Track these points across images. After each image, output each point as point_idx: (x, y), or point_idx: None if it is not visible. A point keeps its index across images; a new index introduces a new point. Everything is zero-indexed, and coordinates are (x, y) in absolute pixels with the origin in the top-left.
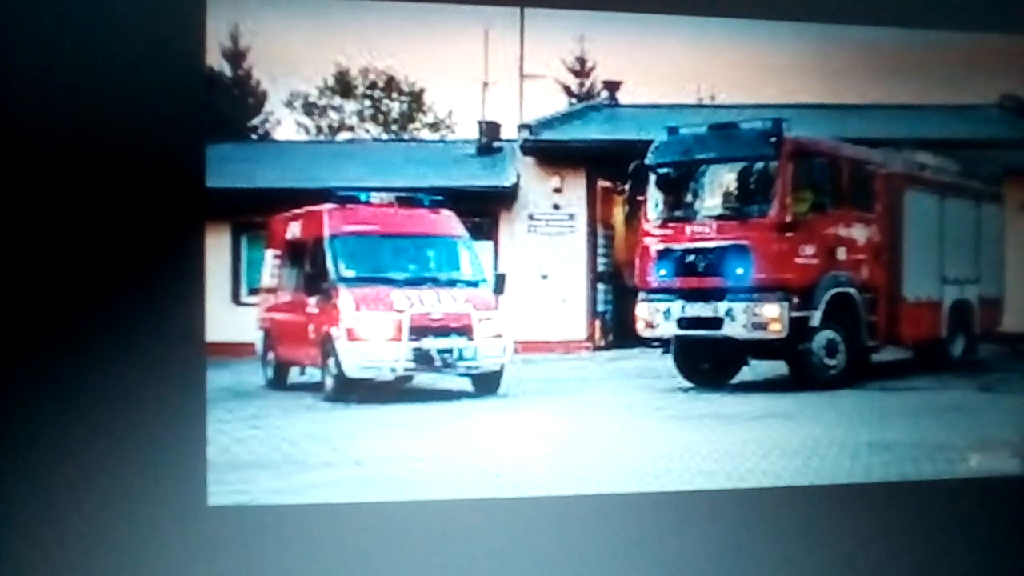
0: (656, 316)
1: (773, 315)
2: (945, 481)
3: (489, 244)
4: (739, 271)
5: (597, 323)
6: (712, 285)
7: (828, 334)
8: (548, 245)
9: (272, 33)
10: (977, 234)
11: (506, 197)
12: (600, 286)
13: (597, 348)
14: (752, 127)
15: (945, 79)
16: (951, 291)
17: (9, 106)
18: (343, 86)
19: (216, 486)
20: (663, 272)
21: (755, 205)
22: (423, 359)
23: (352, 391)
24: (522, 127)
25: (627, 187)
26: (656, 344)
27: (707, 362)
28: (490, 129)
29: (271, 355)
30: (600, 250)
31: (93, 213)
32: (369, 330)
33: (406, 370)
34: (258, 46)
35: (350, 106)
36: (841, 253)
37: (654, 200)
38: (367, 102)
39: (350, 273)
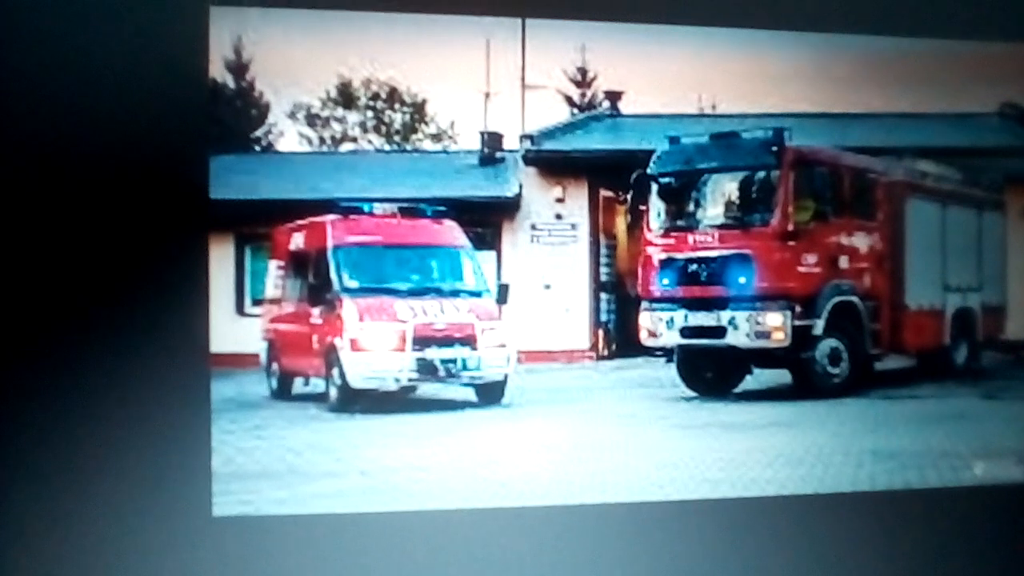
0: (659, 325)
1: (776, 324)
2: (950, 489)
3: (492, 254)
4: (742, 280)
5: (600, 332)
6: (715, 294)
7: (831, 342)
8: (551, 255)
9: (275, 45)
10: (979, 242)
11: (509, 207)
12: (603, 295)
13: (600, 357)
14: (754, 136)
15: (946, 87)
16: (954, 299)
17: (14, 118)
18: (346, 97)
19: (221, 496)
20: (666, 281)
21: (757, 214)
22: (427, 369)
23: (356, 401)
24: (524, 137)
25: (629, 197)
26: (659, 353)
27: (710, 371)
28: (492, 139)
29: (275, 366)
30: (603, 260)
31: (98, 224)
32: (373, 340)
33: (410, 380)
34: (261, 58)
35: (353, 117)
36: (843, 262)
37: (656, 209)
38: (370, 113)
39: (354, 284)
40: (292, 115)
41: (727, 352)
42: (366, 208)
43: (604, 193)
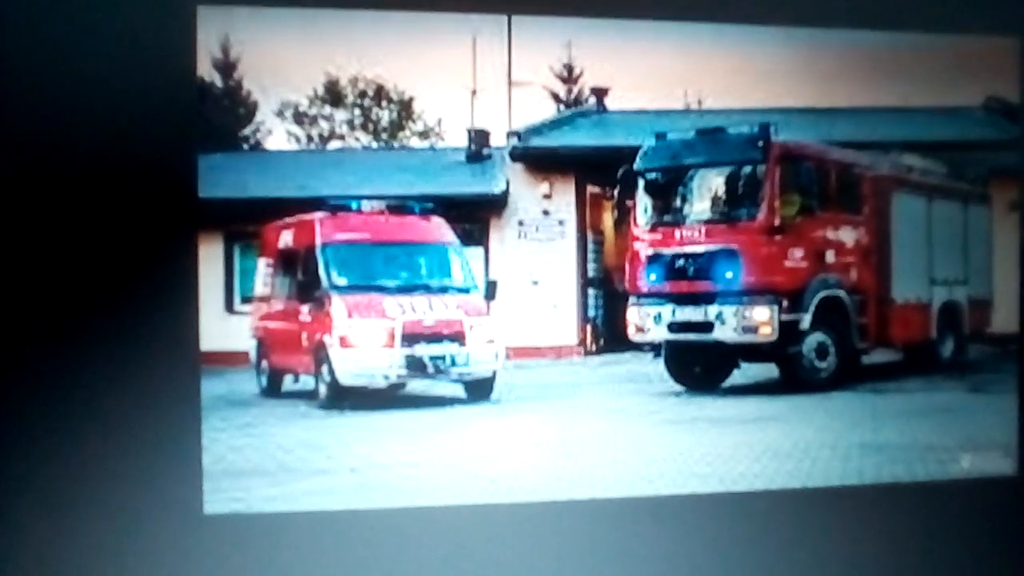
0: (647, 320)
1: (763, 318)
2: (937, 482)
3: (480, 250)
4: (729, 275)
5: (588, 328)
6: (702, 289)
7: (818, 337)
8: (538, 251)
9: (262, 43)
10: (965, 235)
11: (496, 204)
12: (591, 291)
13: (588, 353)
14: (740, 131)
15: (931, 82)
16: (940, 292)
17: (1, 118)
18: (333, 95)
19: (212, 494)
20: (653, 277)
21: (744, 209)
22: (416, 366)
23: (346, 398)
24: (511, 134)
25: (616, 192)
26: (647, 348)
27: (698, 366)
28: (479, 136)
29: (265, 363)
30: (590, 255)
31: (86, 224)
32: (362, 337)
33: (399, 377)
34: (248, 57)
35: (340, 115)
36: (830, 256)
37: (643, 205)
38: (357, 111)
39: (342, 281)
40: (280, 113)
41: (714, 347)
42: (354, 206)
43: (591, 189)
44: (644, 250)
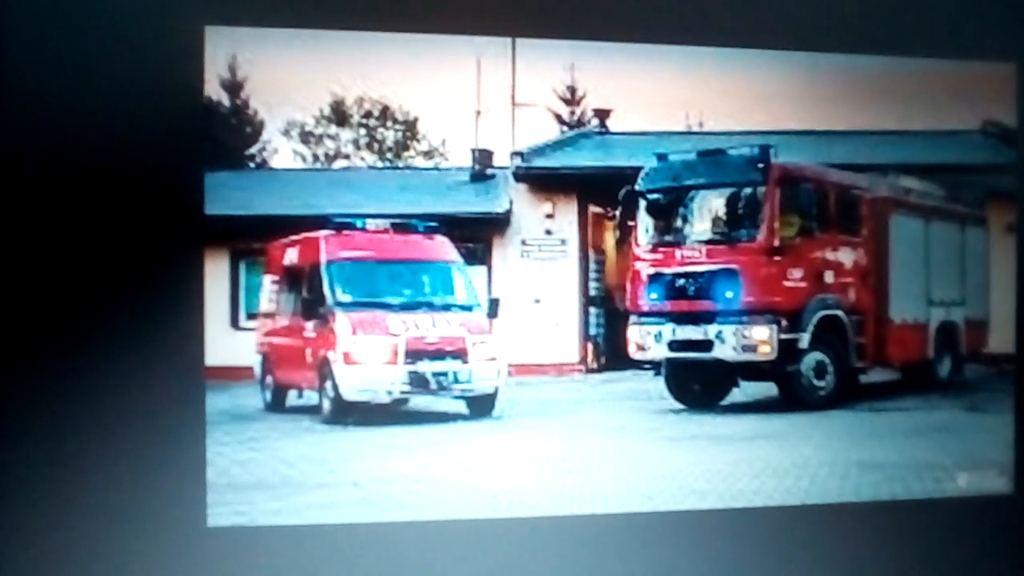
0: (647, 339)
1: (762, 337)
2: (934, 500)
3: (483, 269)
4: (728, 294)
5: (589, 346)
6: (702, 308)
7: (817, 356)
8: (541, 270)
9: (269, 63)
10: (962, 257)
11: (499, 223)
12: (592, 310)
13: (590, 371)
14: (740, 153)
15: (929, 105)
16: (937, 313)
17: (12, 135)
18: (339, 115)
19: (215, 507)
20: (654, 296)
21: (743, 230)
22: (419, 382)
23: (349, 413)
24: (514, 154)
25: (618, 213)
26: (648, 366)
27: (698, 384)
28: (483, 156)
29: (269, 378)
30: (592, 274)
31: (94, 240)
32: (365, 354)
33: (402, 393)
34: (255, 76)
35: (346, 135)
36: (829, 276)
37: (644, 225)
38: (362, 131)
39: (347, 298)
40: (286, 132)
41: (714, 365)
42: (359, 224)
43: (593, 209)
44: (645, 269)
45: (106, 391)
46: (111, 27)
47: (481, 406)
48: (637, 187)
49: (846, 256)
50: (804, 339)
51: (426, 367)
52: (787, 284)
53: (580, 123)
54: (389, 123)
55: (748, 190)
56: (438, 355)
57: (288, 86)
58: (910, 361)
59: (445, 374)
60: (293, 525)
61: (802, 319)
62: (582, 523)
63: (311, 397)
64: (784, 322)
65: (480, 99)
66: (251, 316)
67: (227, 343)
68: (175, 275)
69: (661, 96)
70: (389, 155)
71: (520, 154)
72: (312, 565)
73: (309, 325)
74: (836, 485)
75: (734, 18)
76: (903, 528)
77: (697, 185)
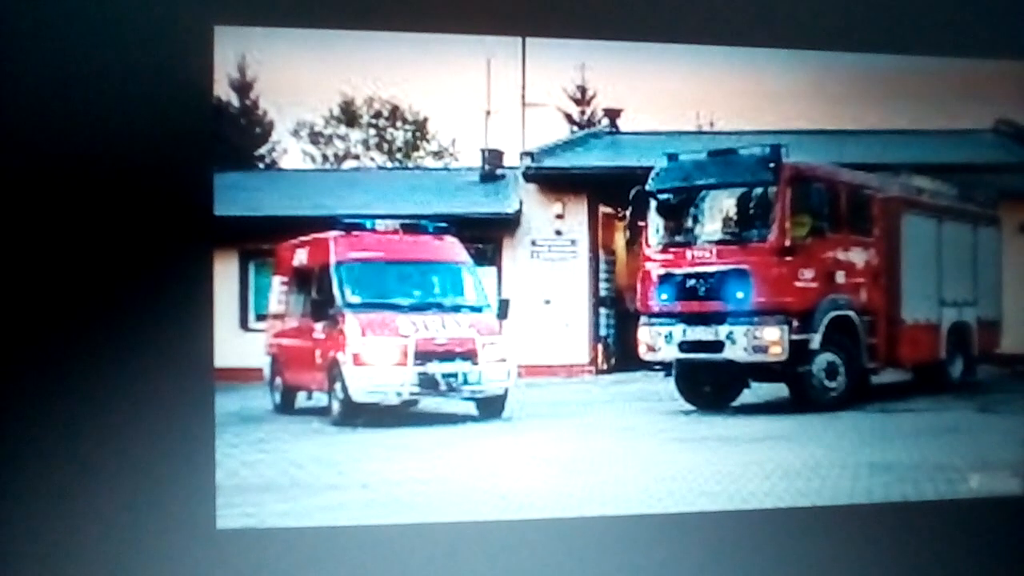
0: (658, 340)
1: (773, 338)
2: (946, 502)
3: (492, 270)
4: (739, 295)
5: (599, 347)
6: (713, 309)
7: (828, 356)
8: (551, 270)
9: (278, 64)
10: (974, 257)
11: (509, 223)
12: (602, 310)
13: (600, 372)
14: (751, 153)
15: (941, 105)
16: (949, 313)
17: (22, 135)
18: (348, 115)
19: (225, 509)
20: (664, 296)
21: (754, 230)
22: (428, 383)
23: (358, 415)
24: (524, 154)
25: (628, 213)
26: (658, 367)
27: (708, 385)
28: (493, 157)
29: (278, 380)
30: (602, 275)
31: (104, 240)
32: (375, 355)
33: (411, 394)
34: (265, 77)
35: (355, 135)
36: (840, 276)
37: (655, 225)
38: (372, 131)
39: (356, 299)
40: (295, 133)
41: (725, 366)
42: (368, 224)
43: (603, 209)
44: (656, 270)
45: (115, 393)
46: (120, 27)
47: (491, 407)
48: (647, 187)
49: (858, 256)
50: (815, 340)
51: (436, 368)
52: (798, 284)
53: (590, 123)
54: (399, 123)
55: (759, 190)
56: (448, 356)
57: (298, 86)
58: (922, 362)
59: (455, 375)
60: (302, 527)
61: (813, 320)
62: (592, 525)
63: (320, 399)
64: (795, 323)
65: (490, 99)
66: (260, 317)
67: (236, 344)
68: (184, 276)
69: (672, 96)
70: (399, 155)
71: (530, 154)
72: (321, 567)
73: (318, 326)
74: (847, 486)
75: (745, 17)
76: (915, 530)
77: (708, 185)
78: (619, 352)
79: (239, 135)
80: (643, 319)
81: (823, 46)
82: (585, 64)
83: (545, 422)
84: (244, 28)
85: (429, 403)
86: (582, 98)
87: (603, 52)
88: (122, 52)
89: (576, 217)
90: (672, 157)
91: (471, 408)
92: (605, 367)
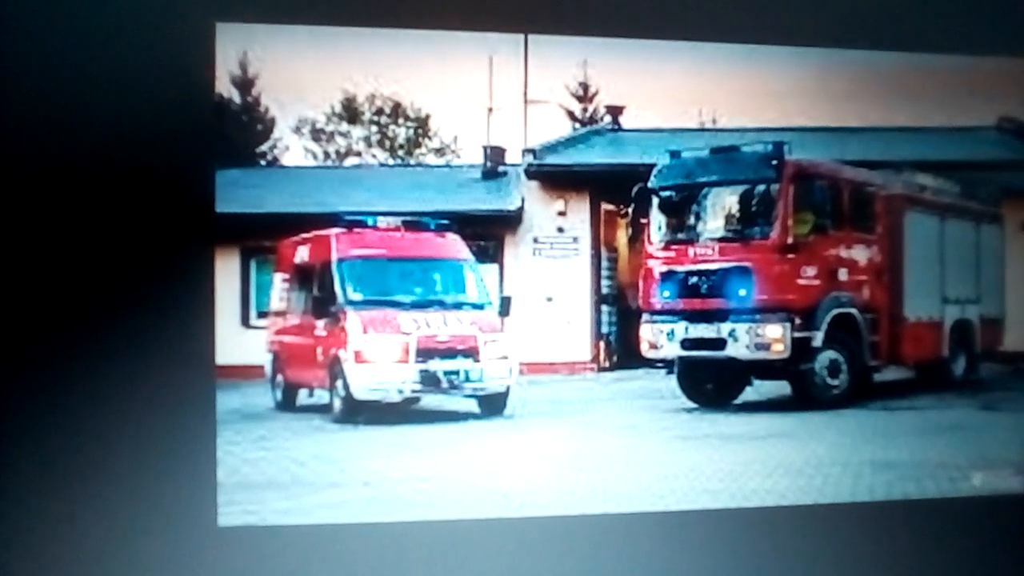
0: (660, 337)
1: (776, 336)
2: (948, 500)
3: (494, 267)
4: (742, 292)
5: (601, 344)
6: (715, 306)
7: (830, 354)
8: (553, 268)
9: (280, 61)
10: (977, 254)
11: (511, 221)
12: (604, 308)
13: (602, 369)
14: (753, 150)
15: (944, 102)
16: (952, 311)
17: (23, 132)
18: (350, 112)
19: (226, 507)
20: (666, 294)
21: (757, 227)
22: (430, 381)
23: (360, 412)
24: (526, 152)
25: (630, 210)
26: (660, 365)
27: (710, 382)
28: (495, 154)
29: (280, 377)
30: (604, 272)
31: (106, 238)
32: (376, 352)
33: (413, 391)
34: (266, 73)
35: (357, 132)
36: (842, 274)
37: (657, 223)
38: (374, 128)
39: (358, 296)
40: (297, 130)
41: (727, 364)
42: (370, 222)
43: (605, 206)
44: (658, 267)
45: (116, 390)
46: (122, 24)
47: (492, 405)
48: (650, 184)
49: (860, 254)
50: (818, 337)
51: (437, 366)
52: (801, 282)
53: (593, 120)
54: (401, 120)
55: (761, 187)
56: (449, 354)
57: (299, 83)
58: (924, 359)
59: (456, 373)
60: (303, 525)
61: (816, 317)
62: (593, 523)
63: (322, 396)
64: (798, 320)
65: (492, 96)
66: (262, 314)
67: (238, 342)
68: (186, 273)
69: (674, 93)
70: (400, 152)
71: (532, 151)
72: (323, 565)
73: (320, 323)
74: (849, 484)
75: (747, 14)
76: (917, 528)
77: (710, 182)
78: (621, 349)
79: (241, 132)
80: (645, 316)
81: (826, 43)
82: (587, 61)
83: (547, 420)
84: (246, 25)
85: (430, 400)
86: (584, 95)
87: (605, 49)
88: (123, 48)
89: (578, 214)
90: (674, 154)
91: (473, 406)
92: (607, 364)
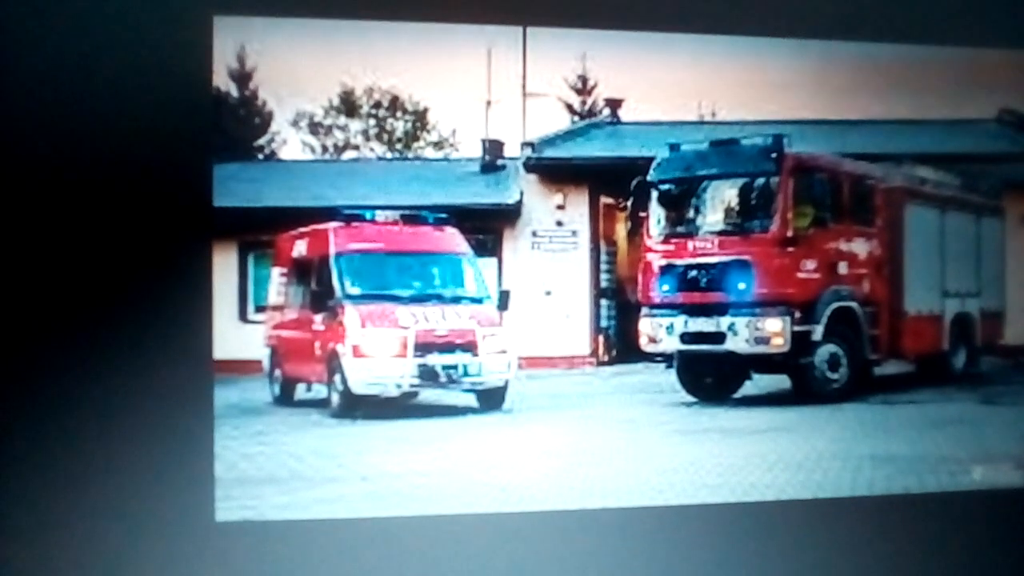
0: (659, 331)
1: (775, 329)
2: (948, 494)
3: (493, 261)
4: (741, 286)
5: (600, 338)
6: (714, 300)
7: (830, 348)
8: (551, 261)
9: (278, 54)
10: (978, 247)
11: (510, 214)
12: (603, 302)
13: (600, 363)
14: (753, 143)
15: (944, 94)
16: (952, 304)
17: (19, 127)
18: (348, 106)
19: (224, 502)
20: (666, 287)
21: (756, 220)
22: (428, 375)
23: (358, 407)
24: (525, 145)
25: (629, 203)
26: (659, 359)
27: (710, 376)
28: (493, 147)
29: (278, 372)
30: (603, 266)
31: (102, 232)
32: (375, 347)
33: (411, 386)
34: (264, 67)
35: (355, 125)
36: (842, 267)
37: (656, 216)
38: (372, 121)
39: (356, 290)
40: (295, 123)
41: (727, 358)
42: (368, 215)
43: (604, 200)
44: (657, 261)
45: (113, 385)
46: (119, 18)
47: (491, 399)
48: (649, 178)
49: (860, 247)
50: (817, 331)
51: (436, 360)
52: (800, 275)
53: (591, 113)
54: (399, 113)
55: (761, 180)
56: (448, 348)
57: (297, 76)
58: (925, 353)
59: (455, 367)
60: (301, 520)
61: (815, 311)
62: (592, 517)
63: (320, 391)
64: (797, 314)
65: (491, 89)
66: (259, 309)
67: (235, 336)
68: (183, 268)
69: (673, 85)
70: (399, 146)
71: (531, 144)
72: (321, 560)
73: (318, 318)
74: (849, 479)
75: (747, 7)
76: (917, 522)
77: (709, 175)
78: (620, 344)
79: (238, 126)
80: (644, 310)
81: (825, 35)
82: (586, 54)
83: (546, 414)
84: (243, 18)
85: (429, 395)
86: (583, 88)
87: (604, 42)
88: (121, 42)
89: (577, 208)
90: (674, 147)
91: (471, 400)
92: (606, 359)
